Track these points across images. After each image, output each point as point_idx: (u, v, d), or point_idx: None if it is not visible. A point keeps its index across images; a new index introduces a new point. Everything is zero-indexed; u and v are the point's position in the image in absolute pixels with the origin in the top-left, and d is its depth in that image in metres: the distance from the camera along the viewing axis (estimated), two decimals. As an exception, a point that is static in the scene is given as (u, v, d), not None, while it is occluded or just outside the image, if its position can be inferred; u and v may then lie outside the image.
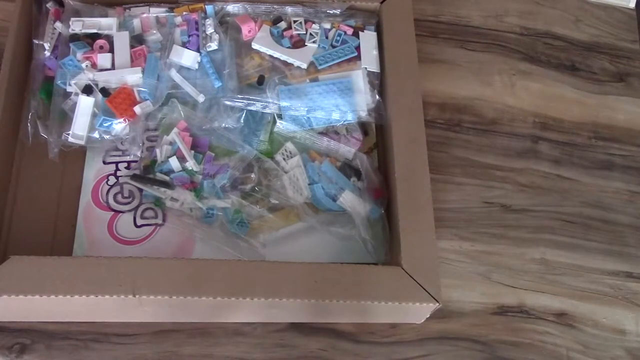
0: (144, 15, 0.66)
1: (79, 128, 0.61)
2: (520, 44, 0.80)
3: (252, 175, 0.62)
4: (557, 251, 0.69)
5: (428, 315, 0.60)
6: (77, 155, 0.64)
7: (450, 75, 0.77)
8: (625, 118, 0.77)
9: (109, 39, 0.65)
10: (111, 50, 0.64)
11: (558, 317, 0.66)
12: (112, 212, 0.62)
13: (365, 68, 0.66)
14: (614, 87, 0.79)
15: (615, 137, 0.76)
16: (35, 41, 0.64)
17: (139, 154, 0.63)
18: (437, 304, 0.55)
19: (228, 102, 0.63)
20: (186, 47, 0.65)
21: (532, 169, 0.73)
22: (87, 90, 0.62)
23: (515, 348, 0.64)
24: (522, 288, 0.67)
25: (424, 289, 0.55)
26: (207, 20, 0.66)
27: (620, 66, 0.80)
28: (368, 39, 0.68)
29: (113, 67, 0.63)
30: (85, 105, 0.61)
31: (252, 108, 0.64)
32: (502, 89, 0.77)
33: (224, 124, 0.63)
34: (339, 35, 0.67)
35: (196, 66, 0.65)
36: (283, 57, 0.65)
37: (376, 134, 0.68)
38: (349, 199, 0.61)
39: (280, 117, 0.64)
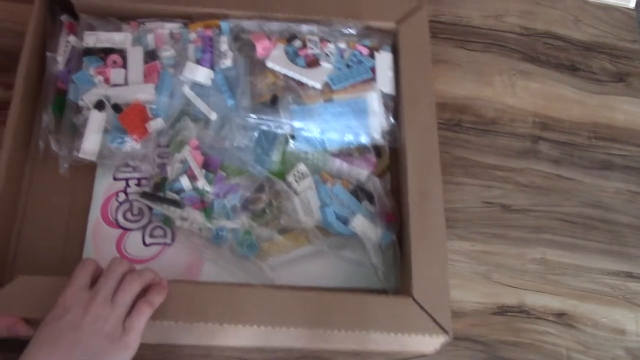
0: (158, 30, 0.65)
1: (90, 144, 0.60)
2: (520, 44, 0.80)
3: (263, 196, 0.61)
4: (557, 251, 0.69)
5: (438, 348, 0.57)
6: (87, 170, 0.63)
7: (450, 75, 0.77)
8: (625, 118, 0.77)
9: (123, 53, 0.64)
10: (124, 66, 0.63)
11: (558, 317, 0.66)
12: (121, 230, 0.61)
13: (381, 90, 0.65)
14: (614, 87, 0.79)
15: (615, 137, 0.76)
16: (49, 54, 0.64)
17: (150, 171, 0.63)
18: (447, 335, 0.54)
19: (241, 121, 0.62)
20: (200, 64, 0.64)
21: (532, 169, 0.73)
22: (99, 105, 0.61)
23: (515, 348, 0.64)
24: (522, 288, 0.67)
25: (435, 321, 0.54)
26: (222, 37, 0.65)
27: (620, 66, 0.80)
28: (384, 60, 0.66)
29: (126, 83, 0.63)
30: (96, 120, 0.61)
31: (265, 128, 0.63)
32: (502, 89, 0.77)
33: (235, 143, 0.62)
34: (355, 55, 0.66)
35: (209, 83, 0.64)
36: (297, 77, 0.64)
37: (390, 156, 0.67)
38: (360, 224, 0.60)
39: (293, 137, 0.63)
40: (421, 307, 0.54)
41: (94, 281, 0.50)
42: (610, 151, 0.75)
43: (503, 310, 0.65)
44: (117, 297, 0.49)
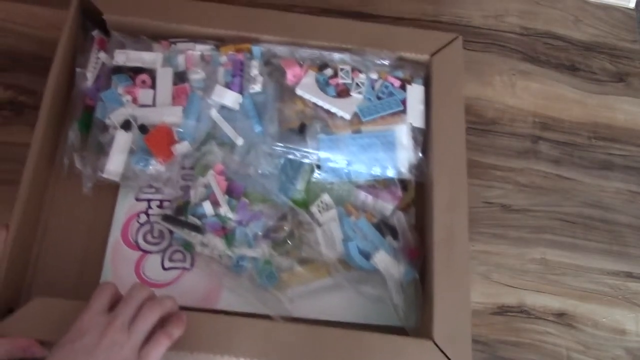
0: (189, 52, 0.64)
1: (115, 164, 0.60)
2: (520, 44, 0.80)
3: (285, 227, 0.61)
4: (557, 251, 0.69)
5: None
6: (110, 189, 0.63)
7: (450, 75, 0.77)
8: (625, 118, 0.77)
9: (152, 74, 0.63)
10: (153, 86, 0.63)
11: (558, 317, 0.66)
12: (141, 252, 0.61)
13: (410, 123, 0.64)
14: (614, 87, 0.79)
15: (615, 137, 0.76)
16: (78, 70, 0.64)
17: (175, 195, 0.62)
18: None
19: (267, 149, 0.62)
20: (229, 88, 0.63)
21: (532, 169, 0.73)
22: (126, 125, 0.61)
23: (515, 348, 0.64)
24: (522, 288, 0.67)
25: None
26: (253, 61, 0.65)
27: (620, 66, 0.80)
28: (415, 93, 0.66)
29: (154, 104, 0.62)
30: (122, 141, 0.60)
31: (291, 157, 0.62)
32: (502, 89, 0.77)
33: (260, 170, 0.62)
34: (386, 87, 0.66)
35: (237, 107, 0.63)
36: (327, 106, 0.64)
37: (415, 190, 0.66)
38: (382, 260, 0.60)
39: (319, 167, 0.63)
40: (442, 351, 0.54)
41: (112, 306, 0.50)
42: (610, 151, 0.75)
43: (503, 310, 0.65)
44: (135, 324, 0.48)
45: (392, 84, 0.66)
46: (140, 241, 0.61)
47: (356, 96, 0.65)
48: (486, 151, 0.73)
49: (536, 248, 0.69)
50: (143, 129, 0.61)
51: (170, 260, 0.61)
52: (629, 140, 0.76)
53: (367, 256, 0.60)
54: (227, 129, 0.62)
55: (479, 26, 0.80)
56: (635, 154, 0.76)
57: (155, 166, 0.61)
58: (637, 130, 0.77)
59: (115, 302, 0.50)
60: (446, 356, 0.54)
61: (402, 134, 0.64)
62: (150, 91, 0.63)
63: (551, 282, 0.67)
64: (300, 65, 0.65)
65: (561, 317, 0.66)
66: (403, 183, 0.65)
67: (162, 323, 0.51)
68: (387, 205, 0.63)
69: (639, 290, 0.68)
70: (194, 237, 0.59)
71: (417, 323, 0.59)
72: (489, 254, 0.68)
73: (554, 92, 0.78)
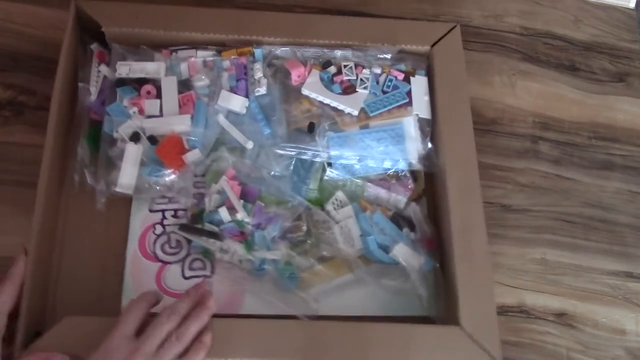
0: (192, 59, 0.64)
1: (127, 177, 0.59)
2: (520, 44, 0.80)
3: (304, 227, 0.61)
4: (557, 251, 0.69)
5: None
6: (122, 202, 0.62)
7: (450, 75, 0.77)
8: (625, 118, 0.77)
9: (156, 83, 0.63)
10: (158, 96, 0.62)
11: (558, 317, 0.66)
12: (160, 263, 0.60)
13: (417, 114, 0.65)
14: (614, 87, 0.79)
15: (615, 137, 0.76)
16: (81, 84, 0.63)
17: (189, 204, 0.62)
18: None
19: (278, 151, 0.62)
20: (234, 92, 0.63)
21: (532, 169, 0.73)
22: (135, 137, 0.60)
23: (515, 348, 0.64)
24: (522, 288, 0.67)
25: (486, 350, 0.54)
26: (256, 64, 0.65)
27: (620, 66, 0.80)
28: (419, 85, 0.66)
29: (161, 113, 0.62)
30: (132, 153, 0.60)
31: (303, 157, 0.62)
32: (502, 89, 0.77)
33: (272, 172, 0.62)
34: (390, 80, 0.66)
35: (244, 111, 0.63)
36: (333, 104, 0.64)
37: (425, 180, 0.66)
38: (402, 252, 0.60)
39: (330, 164, 0.63)
40: (470, 336, 0.54)
41: (143, 325, 0.50)
42: (610, 151, 0.75)
43: (503, 310, 0.65)
44: (160, 354, 0.49)
45: (396, 77, 0.66)
46: (159, 252, 0.61)
47: (362, 92, 0.65)
48: (486, 151, 0.73)
49: (536, 248, 0.69)
50: (152, 139, 0.61)
51: (191, 268, 0.61)
52: (629, 140, 0.76)
53: (386, 249, 0.61)
54: (235, 133, 0.62)
55: (479, 26, 0.80)
56: (635, 154, 0.76)
57: (169, 176, 0.60)
58: (637, 130, 0.77)
59: (146, 320, 0.51)
60: (474, 341, 0.54)
61: (410, 125, 0.64)
62: (157, 101, 0.62)
63: (551, 282, 0.67)
64: (304, 65, 0.65)
65: (561, 317, 0.66)
66: (412, 174, 0.65)
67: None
68: (400, 197, 0.63)
69: (639, 290, 0.68)
70: (212, 244, 0.59)
71: (442, 311, 0.60)
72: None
73: (554, 92, 0.78)
